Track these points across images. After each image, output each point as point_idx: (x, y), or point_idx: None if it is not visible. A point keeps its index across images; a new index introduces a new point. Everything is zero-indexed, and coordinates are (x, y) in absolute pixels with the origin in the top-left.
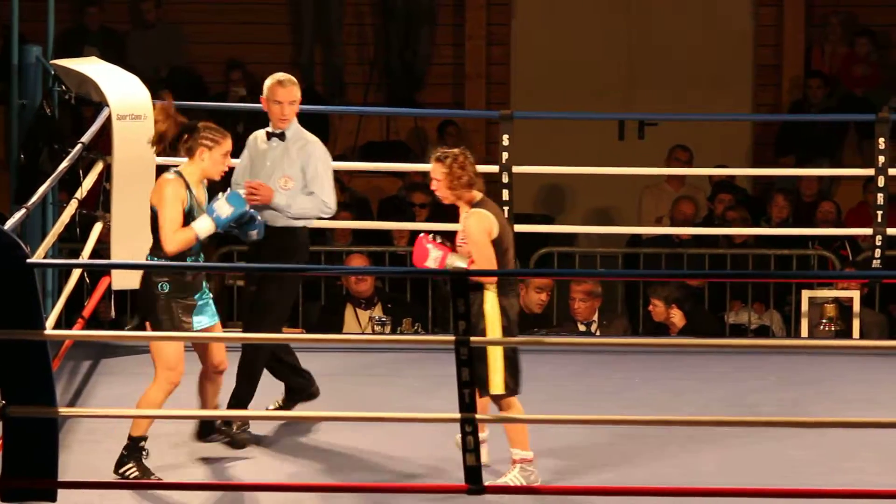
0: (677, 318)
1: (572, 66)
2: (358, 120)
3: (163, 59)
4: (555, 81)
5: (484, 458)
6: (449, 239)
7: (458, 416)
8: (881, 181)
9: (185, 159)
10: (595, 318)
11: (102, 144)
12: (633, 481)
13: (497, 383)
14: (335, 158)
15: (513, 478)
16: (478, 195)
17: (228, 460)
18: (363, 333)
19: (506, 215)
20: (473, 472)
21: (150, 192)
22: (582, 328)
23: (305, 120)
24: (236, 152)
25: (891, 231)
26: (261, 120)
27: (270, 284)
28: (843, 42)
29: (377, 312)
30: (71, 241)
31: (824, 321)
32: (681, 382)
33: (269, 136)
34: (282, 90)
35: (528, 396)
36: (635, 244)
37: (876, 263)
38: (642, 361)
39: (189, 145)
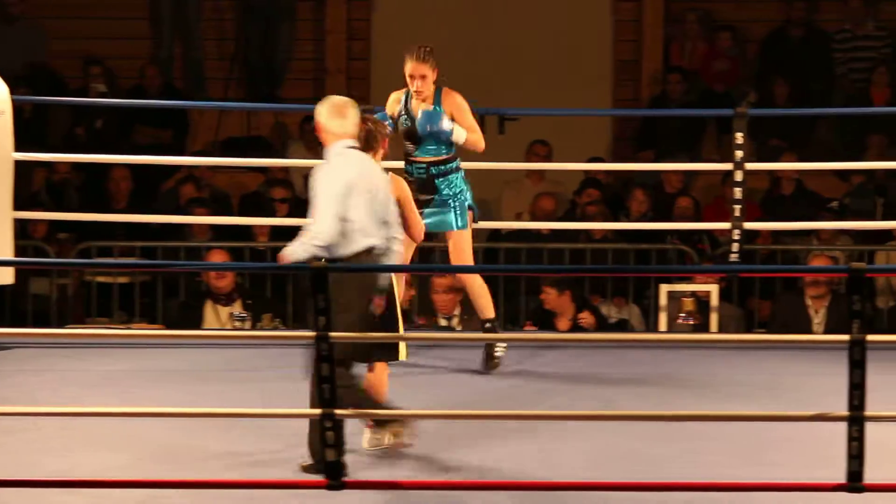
0: (566, 304)
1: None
2: (218, 115)
3: (23, 55)
4: None
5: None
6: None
7: (318, 411)
8: (739, 176)
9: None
10: (456, 311)
11: None
12: (497, 475)
13: (404, 350)
14: (195, 154)
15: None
16: None
17: (102, 454)
18: (223, 329)
19: None
20: (333, 468)
21: (9, 186)
22: (443, 322)
23: (165, 115)
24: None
25: (748, 225)
26: (119, 115)
27: None
28: (702, 38)
29: (237, 308)
30: None
31: (682, 315)
32: (542, 377)
33: None
34: None
35: (398, 392)
36: (495, 239)
37: (733, 257)
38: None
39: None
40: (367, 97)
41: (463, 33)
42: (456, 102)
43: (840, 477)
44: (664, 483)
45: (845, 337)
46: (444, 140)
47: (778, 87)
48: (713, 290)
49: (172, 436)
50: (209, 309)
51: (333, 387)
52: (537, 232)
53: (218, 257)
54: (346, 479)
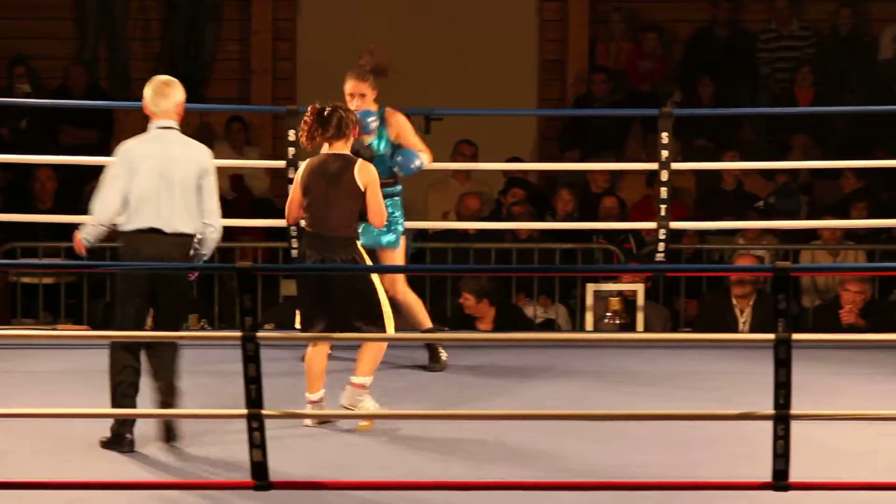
0: (485, 309)
1: (358, 61)
2: (144, 115)
3: None
4: (340, 77)
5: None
6: None
7: (244, 411)
8: (664, 175)
9: None
10: None
11: None
12: (422, 475)
13: (391, 325)
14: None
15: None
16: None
17: (29, 454)
18: (149, 330)
19: None
20: (259, 468)
21: None
22: None
23: (91, 115)
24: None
25: (674, 225)
26: (44, 115)
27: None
28: (627, 38)
29: None
30: None
31: (609, 314)
32: (467, 377)
33: None
34: None
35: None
36: (421, 239)
37: (659, 257)
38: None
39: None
40: (293, 97)
41: (387, 33)
42: (400, 123)
43: (766, 475)
44: (590, 482)
45: (771, 336)
46: (392, 167)
47: (703, 86)
48: (639, 289)
49: (99, 436)
50: None
51: (259, 387)
52: (463, 232)
53: None
54: (272, 479)
